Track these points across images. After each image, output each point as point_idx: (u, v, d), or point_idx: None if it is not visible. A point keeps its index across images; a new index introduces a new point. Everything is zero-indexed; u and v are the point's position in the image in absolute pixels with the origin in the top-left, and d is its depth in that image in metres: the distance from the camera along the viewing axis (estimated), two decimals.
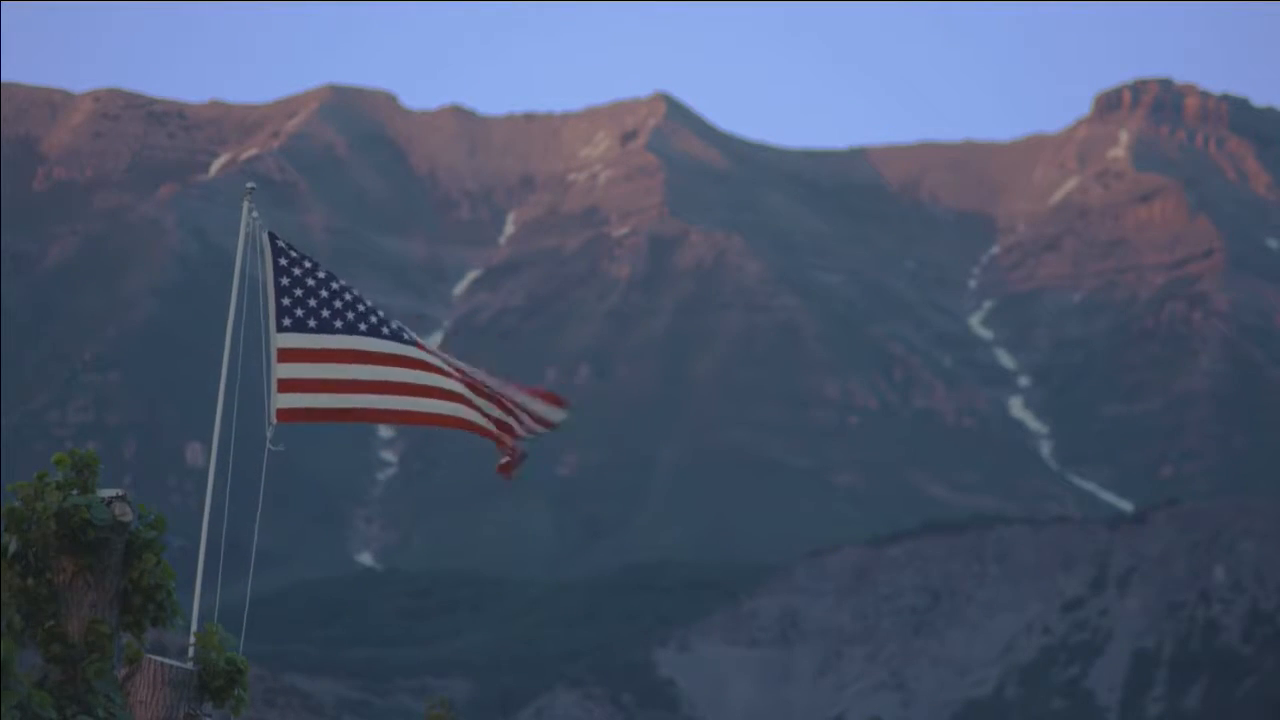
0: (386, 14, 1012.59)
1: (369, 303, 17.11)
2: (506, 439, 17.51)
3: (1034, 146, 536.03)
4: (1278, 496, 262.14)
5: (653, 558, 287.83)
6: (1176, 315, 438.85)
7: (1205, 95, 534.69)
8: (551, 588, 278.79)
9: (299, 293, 16.80)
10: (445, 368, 17.29)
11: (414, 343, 17.19)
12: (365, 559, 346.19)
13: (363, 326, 16.92)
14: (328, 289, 16.90)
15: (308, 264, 16.88)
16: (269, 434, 16.43)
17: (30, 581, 13.46)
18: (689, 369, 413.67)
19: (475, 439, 17.55)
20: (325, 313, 16.83)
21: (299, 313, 16.77)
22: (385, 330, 17.01)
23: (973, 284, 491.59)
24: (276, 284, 16.78)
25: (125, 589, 13.71)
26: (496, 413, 17.51)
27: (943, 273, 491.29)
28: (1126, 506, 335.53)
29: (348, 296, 16.97)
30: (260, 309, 16.80)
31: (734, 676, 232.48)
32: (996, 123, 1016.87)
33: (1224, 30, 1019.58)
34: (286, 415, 16.66)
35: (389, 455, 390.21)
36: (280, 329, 16.71)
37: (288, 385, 16.70)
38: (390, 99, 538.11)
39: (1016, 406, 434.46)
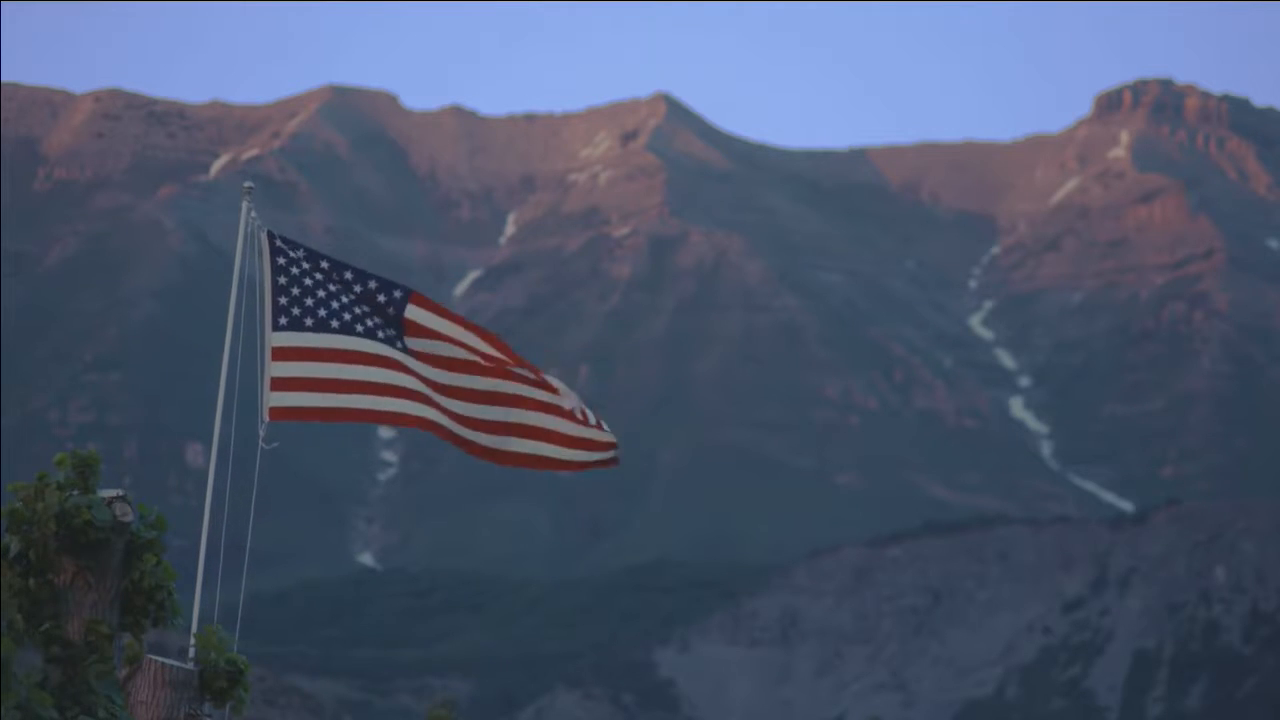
0: (386, 14, 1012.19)
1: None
2: (509, 452, 17.59)
3: (1034, 146, 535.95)
4: (1278, 496, 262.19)
5: (653, 558, 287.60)
6: (1177, 315, 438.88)
7: (1206, 95, 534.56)
8: (551, 588, 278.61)
9: (296, 291, 16.78)
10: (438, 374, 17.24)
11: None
12: (365, 559, 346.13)
13: (359, 328, 16.89)
14: (325, 289, 16.86)
15: (306, 263, 16.83)
16: (262, 432, 16.46)
17: (31, 582, 13.46)
18: (689, 369, 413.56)
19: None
20: (322, 312, 16.80)
21: (295, 311, 16.75)
22: (382, 334, 16.98)
23: (973, 284, 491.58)
24: (273, 283, 16.77)
25: (126, 589, 13.71)
26: (515, 417, 17.62)
27: (943, 273, 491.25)
28: (1127, 506, 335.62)
29: (345, 298, 16.93)
30: (259, 309, 16.82)
31: (734, 676, 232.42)
32: (996, 123, 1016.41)
33: (1224, 30, 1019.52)
34: (279, 414, 16.66)
35: (389, 455, 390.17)
36: (276, 328, 16.71)
37: (280, 384, 16.69)
38: (391, 99, 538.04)
39: (1017, 406, 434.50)
